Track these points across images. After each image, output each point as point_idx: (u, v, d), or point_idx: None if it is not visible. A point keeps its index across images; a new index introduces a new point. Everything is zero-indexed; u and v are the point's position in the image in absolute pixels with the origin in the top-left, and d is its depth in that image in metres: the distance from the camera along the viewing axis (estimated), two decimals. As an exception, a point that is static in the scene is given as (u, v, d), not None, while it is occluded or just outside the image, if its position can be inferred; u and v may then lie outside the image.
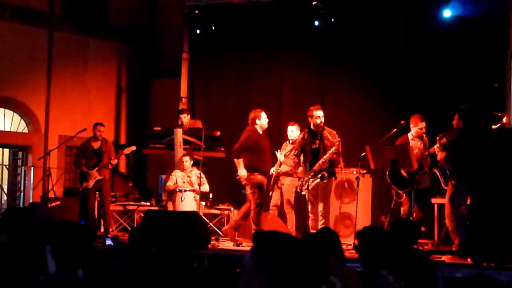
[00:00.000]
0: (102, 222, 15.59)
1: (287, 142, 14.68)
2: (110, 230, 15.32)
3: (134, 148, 15.65)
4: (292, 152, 13.92)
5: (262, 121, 13.95)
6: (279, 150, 14.64)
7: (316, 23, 16.61)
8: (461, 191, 12.02)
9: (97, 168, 15.10)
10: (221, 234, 15.13)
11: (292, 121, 14.82)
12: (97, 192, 15.37)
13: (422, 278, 6.55)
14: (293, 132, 14.59)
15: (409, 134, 13.26)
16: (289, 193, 14.39)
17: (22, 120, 18.61)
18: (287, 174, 14.42)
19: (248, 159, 13.74)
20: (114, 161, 15.36)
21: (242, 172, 13.71)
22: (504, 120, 12.68)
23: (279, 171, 14.50)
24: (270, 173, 14.54)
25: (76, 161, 15.48)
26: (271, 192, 14.58)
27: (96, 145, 15.27)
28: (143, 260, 7.69)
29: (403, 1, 16.04)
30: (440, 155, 12.82)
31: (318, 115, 13.36)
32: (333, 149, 13.16)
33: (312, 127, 13.42)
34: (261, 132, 13.91)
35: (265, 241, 4.44)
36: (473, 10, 15.08)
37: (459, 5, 15.18)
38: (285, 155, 14.38)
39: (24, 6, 18.11)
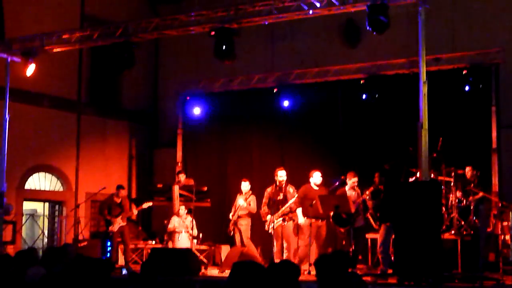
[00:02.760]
0: (119, 256, 15.46)
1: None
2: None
3: (151, 203, 15.63)
4: (263, 201, 13.97)
5: (314, 179, 13.73)
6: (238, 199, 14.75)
7: (286, 103, 16.63)
8: (390, 229, 12.06)
9: (121, 217, 14.98)
10: (208, 264, 15.09)
11: (244, 178, 14.90)
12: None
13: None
14: (245, 187, 14.68)
15: (346, 186, 13.34)
16: (246, 231, 14.44)
17: (58, 181, 18.50)
18: (242, 217, 14.49)
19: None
20: (135, 213, 15.32)
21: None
22: (418, 175, 12.75)
23: (238, 215, 14.48)
24: (230, 217, 14.61)
25: (101, 211, 15.35)
26: (232, 233, 14.62)
27: (118, 200, 15.17)
28: (151, 286, 7.60)
29: (341, 88, 16.25)
30: (369, 204, 12.93)
31: (280, 175, 13.65)
32: (292, 200, 13.33)
33: (277, 183, 13.57)
34: (314, 187, 13.67)
35: (238, 270, 4.36)
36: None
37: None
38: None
39: (58, 96, 18.13)
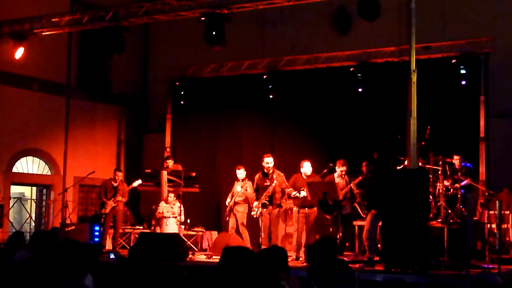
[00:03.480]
0: (107, 241, 15.51)
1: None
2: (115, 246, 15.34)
3: (140, 181, 15.71)
4: (253, 187, 14.01)
5: (304, 169, 13.60)
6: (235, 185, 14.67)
7: (276, 90, 16.66)
8: (377, 217, 12.09)
9: (113, 199, 15.15)
10: (196, 249, 15.11)
11: (239, 165, 14.82)
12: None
13: (343, 281, 6.53)
14: (241, 174, 14.59)
15: (334, 174, 13.36)
16: (242, 218, 14.41)
17: (46, 165, 18.47)
18: (239, 203, 14.42)
19: None
20: (119, 198, 15.32)
21: None
22: (406, 162, 12.79)
23: (235, 201, 14.47)
24: (226, 203, 14.59)
25: (99, 194, 15.57)
26: (228, 218, 14.61)
27: (115, 183, 15.35)
28: (139, 270, 7.62)
29: (330, 75, 16.26)
30: (356, 193, 12.97)
31: (267, 161, 13.63)
32: (271, 186, 13.31)
33: (264, 170, 13.56)
34: (304, 177, 13.53)
35: (228, 255, 4.41)
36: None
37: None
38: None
39: (47, 79, 18.07)
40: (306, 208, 13.31)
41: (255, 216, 13.70)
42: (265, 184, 13.59)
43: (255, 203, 13.66)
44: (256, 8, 13.29)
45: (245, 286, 4.24)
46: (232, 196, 14.54)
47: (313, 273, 6.42)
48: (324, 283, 6.31)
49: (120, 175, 15.54)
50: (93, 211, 17.46)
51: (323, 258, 6.37)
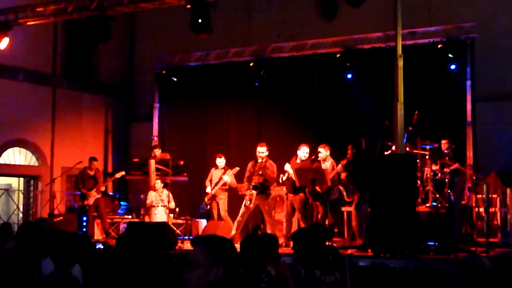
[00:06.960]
0: (95, 230, 15.50)
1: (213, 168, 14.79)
2: (103, 236, 15.27)
3: (123, 173, 15.68)
4: (245, 175, 13.97)
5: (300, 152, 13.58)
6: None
7: (256, 83, 16.67)
8: (364, 201, 12.09)
9: (95, 189, 15.12)
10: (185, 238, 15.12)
11: (219, 153, 14.86)
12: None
13: (333, 267, 6.57)
14: (221, 162, 14.69)
15: (320, 160, 13.31)
16: (224, 205, 14.43)
17: (33, 156, 18.40)
18: (222, 190, 14.46)
19: None
20: (103, 188, 15.33)
21: None
22: (393, 148, 12.81)
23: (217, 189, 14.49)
24: (207, 191, 14.60)
25: (76, 185, 15.52)
26: (208, 206, 14.62)
27: (91, 172, 15.29)
28: (127, 259, 7.61)
29: (317, 62, 16.23)
30: (342, 175, 12.92)
31: (260, 150, 13.59)
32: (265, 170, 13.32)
33: (257, 159, 13.54)
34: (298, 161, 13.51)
35: (210, 242, 4.41)
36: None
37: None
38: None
39: (33, 69, 17.98)
40: (291, 194, 13.26)
41: (247, 205, 13.61)
42: (258, 174, 13.57)
43: (248, 191, 13.56)
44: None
45: (230, 273, 4.25)
46: (213, 184, 14.54)
47: (299, 258, 6.47)
48: (311, 267, 6.37)
49: (95, 164, 15.52)
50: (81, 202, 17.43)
51: (308, 243, 6.41)
